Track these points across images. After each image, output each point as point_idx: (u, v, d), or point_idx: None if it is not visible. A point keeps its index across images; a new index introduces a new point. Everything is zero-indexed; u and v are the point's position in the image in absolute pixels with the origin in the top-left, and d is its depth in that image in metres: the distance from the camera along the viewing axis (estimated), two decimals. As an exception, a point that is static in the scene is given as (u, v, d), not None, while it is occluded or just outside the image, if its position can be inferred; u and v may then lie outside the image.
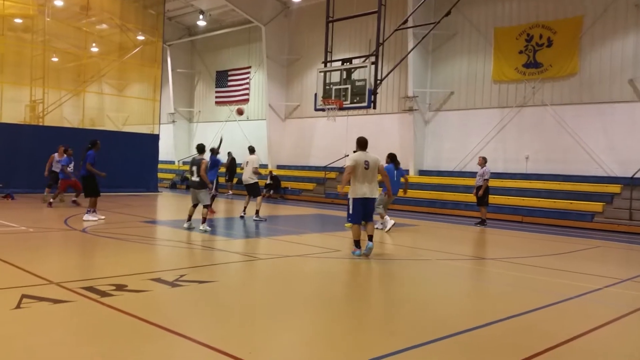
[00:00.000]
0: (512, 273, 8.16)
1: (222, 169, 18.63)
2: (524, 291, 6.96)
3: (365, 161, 8.66)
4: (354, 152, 9.29)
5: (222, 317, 5.25)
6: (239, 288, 6.70)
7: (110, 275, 6.63)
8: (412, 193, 20.38)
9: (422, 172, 21.88)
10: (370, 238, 8.85)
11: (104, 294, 5.66)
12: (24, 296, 5.42)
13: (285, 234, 11.60)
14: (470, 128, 20.67)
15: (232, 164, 22.63)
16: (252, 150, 14.81)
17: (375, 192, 8.81)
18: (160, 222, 12.97)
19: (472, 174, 20.00)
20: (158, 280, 6.48)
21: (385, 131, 22.94)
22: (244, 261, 8.49)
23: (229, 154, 22.60)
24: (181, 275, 6.75)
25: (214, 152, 15.31)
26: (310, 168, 25.61)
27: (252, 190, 14.19)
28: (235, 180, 23.28)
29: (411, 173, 21.89)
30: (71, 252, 8.75)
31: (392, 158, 13.09)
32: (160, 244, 10.04)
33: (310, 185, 24.04)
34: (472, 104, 20.73)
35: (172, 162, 32.17)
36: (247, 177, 14.06)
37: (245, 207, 14.52)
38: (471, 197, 18.77)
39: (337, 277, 7.77)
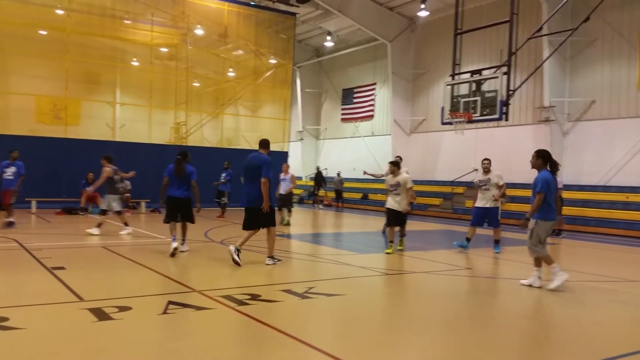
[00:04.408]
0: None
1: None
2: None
3: (481, 180, 11.28)
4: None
5: (350, 331, 5.29)
6: (366, 303, 6.70)
7: (246, 285, 6.99)
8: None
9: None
10: (496, 242, 11.20)
11: (240, 302, 5.97)
12: (170, 303, 5.86)
13: (412, 250, 11.41)
14: (615, 139, 18.98)
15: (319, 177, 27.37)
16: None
17: (490, 203, 11.01)
18: (288, 235, 13.42)
19: (618, 188, 18.40)
20: (289, 291, 6.70)
21: (519, 143, 21.83)
22: (371, 276, 8.50)
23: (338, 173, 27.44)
24: (310, 288, 6.92)
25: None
26: (436, 183, 25.03)
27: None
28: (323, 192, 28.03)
29: (547, 188, 20.57)
30: (211, 263, 9.34)
31: (544, 158, 7.64)
32: (289, 256, 10.38)
33: (436, 201, 23.54)
34: (617, 113, 19.06)
35: (300, 178, 33.22)
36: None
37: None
38: (616, 214, 17.30)
39: (465, 296, 7.50)
